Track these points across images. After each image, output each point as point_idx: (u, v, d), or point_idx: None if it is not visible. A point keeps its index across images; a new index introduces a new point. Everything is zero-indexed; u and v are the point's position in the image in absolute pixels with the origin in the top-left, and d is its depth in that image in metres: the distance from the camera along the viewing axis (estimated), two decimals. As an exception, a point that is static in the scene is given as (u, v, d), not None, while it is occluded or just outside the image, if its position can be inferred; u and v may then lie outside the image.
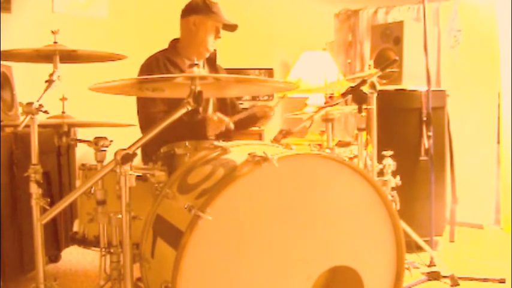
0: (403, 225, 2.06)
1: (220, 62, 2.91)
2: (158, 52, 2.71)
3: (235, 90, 2.39)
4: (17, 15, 3.96)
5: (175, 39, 2.78)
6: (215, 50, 2.81)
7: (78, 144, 2.22)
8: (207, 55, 2.75)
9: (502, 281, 2.59)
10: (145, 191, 1.99)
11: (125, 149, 1.62)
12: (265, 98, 4.44)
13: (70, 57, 2.08)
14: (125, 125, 2.54)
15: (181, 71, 2.64)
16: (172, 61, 2.66)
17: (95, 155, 2.04)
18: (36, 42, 2.00)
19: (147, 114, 2.55)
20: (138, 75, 2.63)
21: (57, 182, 2.85)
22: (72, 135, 2.20)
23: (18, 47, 1.98)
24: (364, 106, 2.31)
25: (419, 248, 2.70)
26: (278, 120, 4.39)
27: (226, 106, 2.80)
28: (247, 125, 2.81)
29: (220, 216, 1.59)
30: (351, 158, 2.43)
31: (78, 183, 2.50)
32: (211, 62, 2.84)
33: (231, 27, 2.73)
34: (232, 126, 2.52)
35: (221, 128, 2.49)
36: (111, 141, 2.05)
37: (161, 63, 2.62)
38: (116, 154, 1.61)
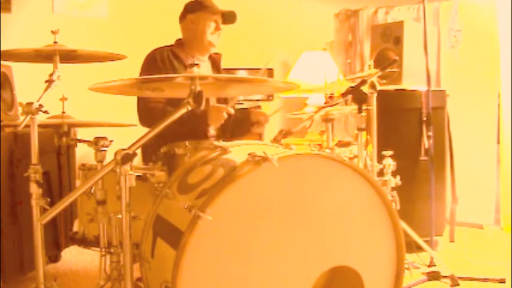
0: (403, 225, 2.06)
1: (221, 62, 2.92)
2: (164, 46, 2.72)
3: (235, 90, 2.39)
4: (17, 15, 3.96)
5: (180, 38, 2.79)
6: (220, 55, 2.83)
7: (78, 144, 2.22)
8: (212, 50, 2.75)
9: (502, 281, 2.59)
10: (145, 191, 1.99)
11: (125, 149, 1.62)
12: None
13: (70, 57, 2.08)
14: (125, 125, 2.54)
15: (185, 66, 2.64)
16: (177, 55, 2.67)
17: (95, 155, 2.04)
18: (36, 42, 2.00)
19: (146, 103, 2.54)
20: (142, 66, 2.65)
21: (57, 182, 2.85)
22: (72, 135, 2.20)
23: (18, 47, 1.98)
24: (364, 106, 2.31)
25: (419, 248, 2.71)
26: (278, 120, 4.39)
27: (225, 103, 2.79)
28: (241, 129, 2.77)
29: (220, 216, 1.59)
30: (351, 158, 2.43)
31: (78, 183, 2.49)
32: (216, 66, 2.85)
33: (230, 18, 2.74)
34: (232, 111, 2.49)
35: (223, 116, 2.46)
36: (111, 141, 2.05)
37: (165, 56, 2.63)
38: (116, 154, 1.61)
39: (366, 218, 1.85)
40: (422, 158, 3.14)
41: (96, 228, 2.08)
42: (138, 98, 2.60)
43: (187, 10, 2.74)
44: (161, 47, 2.70)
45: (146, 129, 1.72)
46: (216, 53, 2.84)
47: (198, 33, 2.69)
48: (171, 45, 2.76)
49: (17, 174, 2.45)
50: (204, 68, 2.72)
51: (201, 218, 1.55)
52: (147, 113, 2.51)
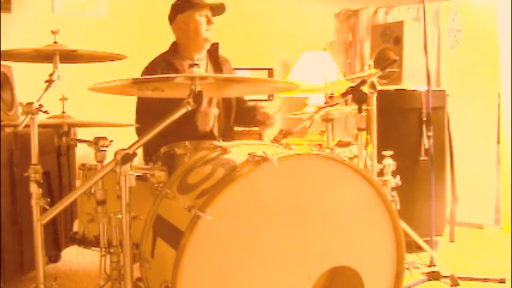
0: (403, 225, 2.06)
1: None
2: (157, 56, 2.71)
3: (235, 90, 2.39)
4: (17, 15, 3.97)
5: (174, 42, 2.78)
6: (217, 44, 2.79)
7: (78, 144, 2.22)
8: (208, 46, 2.74)
9: (502, 281, 2.59)
10: (145, 191, 1.99)
11: (125, 149, 1.62)
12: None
13: (70, 57, 2.08)
14: (125, 125, 2.54)
15: (179, 73, 2.63)
16: (171, 63, 2.65)
17: (95, 155, 2.04)
18: (36, 42, 2.00)
19: (146, 105, 2.54)
20: None
21: (57, 182, 2.85)
22: (72, 135, 2.20)
23: (18, 47, 1.98)
24: (364, 106, 2.31)
25: (419, 248, 2.70)
26: (278, 120, 4.39)
27: (230, 103, 2.80)
28: (247, 122, 2.82)
29: (220, 216, 1.59)
30: (351, 158, 2.43)
31: (78, 183, 2.49)
32: (214, 57, 2.82)
33: (219, 10, 2.70)
34: (216, 111, 2.49)
35: (209, 119, 2.44)
36: (111, 141, 2.05)
37: (158, 68, 2.61)
38: (116, 154, 1.61)
39: (366, 218, 1.85)
40: (422, 158, 3.14)
41: (96, 228, 2.08)
42: (137, 102, 2.61)
43: (176, 10, 2.70)
44: (153, 60, 2.68)
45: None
46: (212, 44, 2.79)
47: (191, 32, 2.66)
48: (165, 52, 2.74)
49: (17, 174, 2.45)
50: (201, 65, 2.72)
51: (201, 218, 1.55)
52: (147, 114, 2.51)
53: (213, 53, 2.81)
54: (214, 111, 2.47)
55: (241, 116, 2.81)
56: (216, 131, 2.70)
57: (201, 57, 2.74)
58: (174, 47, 2.76)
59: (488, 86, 3.82)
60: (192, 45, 2.69)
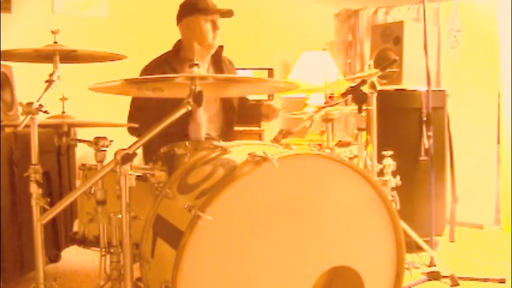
0: (403, 225, 2.06)
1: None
2: (159, 56, 2.70)
3: (236, 90, 2.39)
4: (17, 15, 3.97)
5: (179, 40, 2.76)
6: (221, 47, 2.78)
7: (78, 144, 2.22)
8: (212, 52, 2.73)
9: (502, 281, 2.59)
10: (145, 191, 1.99)
11: (125, 149, 1.62)
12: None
13: (70, 57, 2.08)
14: (125, 125, 2.54)
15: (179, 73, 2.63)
16: (172, 66, 2.64)
17: (95, 155, 2.04)
18: (36, 42, 2.00)
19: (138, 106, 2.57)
20: None
21: (57, 182, 2.85)
22: (72, 135, 2.20)
23: (18, 47, 1.98)
24: (364, 106, 2.31)
25: (419, 248, 2.70)
26: (278, 120, 4.39)
27: (231, 103, 2.79)
28: (251, 119, 2.83)
29: (220, 216, 1.59)
30: (351, 158, 2.43)
31: (78, 183, 2.49)
32: (216, 57, 2.80)
33: (228, 14, 2.67)
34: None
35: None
36: (111, 141, 2.05)
37: (157, 69, 2.60)
38: (116, 154, 1.61)
39: (366, 218, 1.85)
40: (422, 158, 3.14)
41: (96, 228, 2.08)
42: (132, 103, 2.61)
43: (183, 13, 2.67)
44: (154, 60, 2.67)
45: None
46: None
47: (196, 38, 2.62)
48: (167, 52, 2.73)
49: (17, 174, 2.45)
50: (203, 64, 2.70)
51: (201, 218, 1.55)
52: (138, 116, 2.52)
53: (216, 54, 2.79)
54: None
55: (245, 115, 2.80)
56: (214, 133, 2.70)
57: (204, 59, 2.74)
58: (178, 46, 2.74)
59: (488, 86, 3.82)
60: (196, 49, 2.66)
